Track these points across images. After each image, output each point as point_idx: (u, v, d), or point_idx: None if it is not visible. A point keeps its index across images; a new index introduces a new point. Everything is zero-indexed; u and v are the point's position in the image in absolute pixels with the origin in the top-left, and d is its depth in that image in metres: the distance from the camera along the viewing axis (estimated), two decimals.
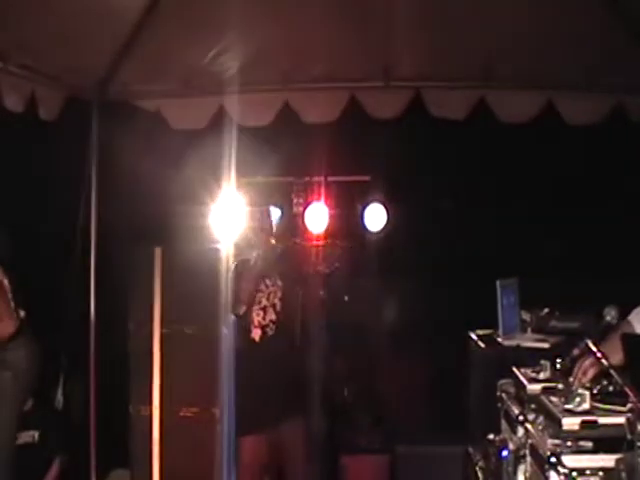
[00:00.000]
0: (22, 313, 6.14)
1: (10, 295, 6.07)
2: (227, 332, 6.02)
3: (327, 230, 6.40)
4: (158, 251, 6.56)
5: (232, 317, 5.93)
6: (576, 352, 3.94)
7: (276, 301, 5.34)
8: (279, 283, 5.35)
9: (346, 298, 6.98)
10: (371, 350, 7.20)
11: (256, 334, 5.27)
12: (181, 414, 6.43)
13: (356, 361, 7.10)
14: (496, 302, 5.43)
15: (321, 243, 5.52)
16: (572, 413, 3.60)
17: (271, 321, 5.28)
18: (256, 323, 5.28)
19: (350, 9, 5.81)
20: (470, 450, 5.23)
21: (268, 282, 5.37)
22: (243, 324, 5.35)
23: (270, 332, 5.28)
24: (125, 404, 6.54)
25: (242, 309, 5.47)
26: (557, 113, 6.30)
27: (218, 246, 6.23)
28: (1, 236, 6.24)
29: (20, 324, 6.08)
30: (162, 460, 6.47)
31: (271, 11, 5.82)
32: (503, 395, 4.53)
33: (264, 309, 5.31)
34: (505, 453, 3.94)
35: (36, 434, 6.41)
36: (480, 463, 4.82)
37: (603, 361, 3.63)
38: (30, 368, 6.08)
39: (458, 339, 6.26)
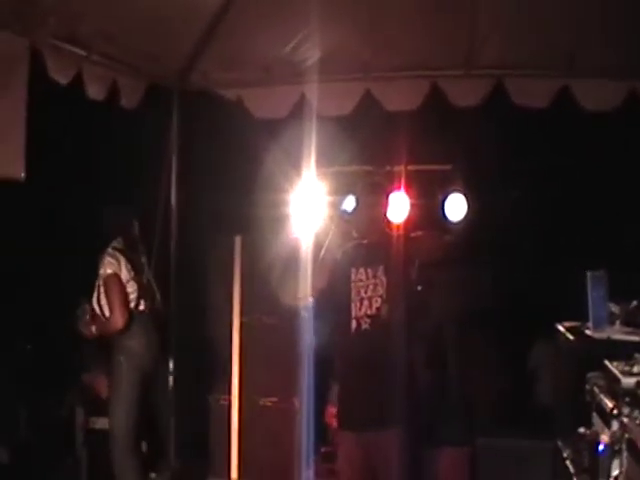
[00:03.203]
0: (142, 305, 6.02)
1: (134, 286, 5.99)
2: (307, 315, 6.03)
3: (407, 220, 6.30)
4: (238, 240, 6.58)
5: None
6: None
7: (376, 295, 5.20)
8: (383, 278, 5.22)
9: (419, 288, 6.87)
10: (452, 340, 7.10)
11: (352, 326, 5.18)
12: (260, 403, 6.45)
13: (437, 352, 7.00)
14: (582, 293, 5.32)
15: (419, 234, 5.37)
16: None
17: (366, 315, 5.17)
18: (353, 314, 5.18)
19: None
20: (559, 444, 5.13)
21: (369, 272, 5.24)
22: (342, 314, 5.26)
23: (364, 325, 5.17)
24: (204, 393, 6.57)
25: (320, 282, 5.35)
26: None
27: (298, 236, 6.21)
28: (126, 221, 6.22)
29: (140, 316, 5.99)
30: (241, 449, 6.50)
31: (351, 0, 5.80)
32: (594, 388, 4.44)
33: (361, 301, 5.20)
34: (601, 447, 3.86)
35: None
36: (571, 457, 4.74)
37: None
38: (144, 354, 5.96)
39: (540, 330, 6.17)
